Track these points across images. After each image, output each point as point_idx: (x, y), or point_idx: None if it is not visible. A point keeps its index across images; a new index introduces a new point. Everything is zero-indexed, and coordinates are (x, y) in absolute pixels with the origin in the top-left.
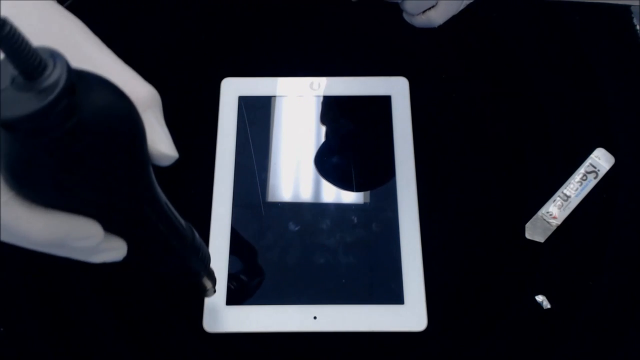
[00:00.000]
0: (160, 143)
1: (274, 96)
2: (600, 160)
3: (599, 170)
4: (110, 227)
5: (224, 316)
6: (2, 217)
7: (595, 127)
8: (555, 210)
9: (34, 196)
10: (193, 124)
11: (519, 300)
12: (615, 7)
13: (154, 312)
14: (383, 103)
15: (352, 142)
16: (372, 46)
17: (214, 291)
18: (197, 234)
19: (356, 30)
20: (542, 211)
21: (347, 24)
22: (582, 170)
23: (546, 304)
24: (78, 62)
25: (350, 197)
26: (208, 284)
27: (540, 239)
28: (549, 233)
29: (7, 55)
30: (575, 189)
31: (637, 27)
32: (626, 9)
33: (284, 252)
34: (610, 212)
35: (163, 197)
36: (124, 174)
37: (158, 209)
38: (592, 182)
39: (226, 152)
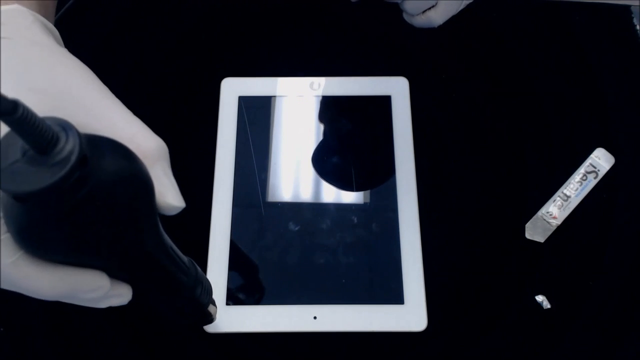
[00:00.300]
0: (168, 195)
1: (274, 96)
2: (600, 160)
3: (599, 170)
4: (117, 275)
5: (224, 316)
6: (12, 276)
7: (595, 127)
8: (555, 210)
9: (42, 256)
10: (193, 124)
11: (519, 300)
12: (615, 7)
13: (154, 312)
14: (383, 103)
15: (352, 142)
16: (372, 46)
17: (212, 320)
18: (198, 267)
19: (356, 30)
20: (542, 211)
21: (347, 24)
22: (582, 170)
23: (546, 304)
24: (85, 116)
25: (350, 197)
26: (213, 309)
27: (540, 239)
28: (549, 233)
29: (20, 135)
30: (575, 189)
31: (637, 27)
32: (626, 9)
33: (284, 252)
34: (610, 212)
35: (168, 240)
36: (132, 230)
37: (163, 252)
38: (592, 182)
39: (226, 152)
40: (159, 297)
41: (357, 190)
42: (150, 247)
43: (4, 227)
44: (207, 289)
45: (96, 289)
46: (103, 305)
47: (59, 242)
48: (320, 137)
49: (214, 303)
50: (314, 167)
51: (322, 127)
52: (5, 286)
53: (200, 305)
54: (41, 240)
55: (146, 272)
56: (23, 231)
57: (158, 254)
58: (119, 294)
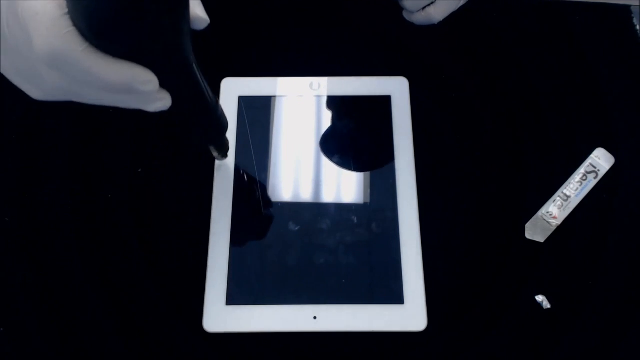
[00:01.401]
0: (197, 8)
1: (274, 96)
2: (600, 160)
3: (599, 170)
4: (162, 82)
5: (224, 316)
6: (84, 63)
7: (595, 127)
8: (555, 210)
9: (106, 46)
10: None
11: (519, 300)
12: (615, 7)
13: (154, 312)
14: (383, 103)
15: (352, 142)
16: (372, 46)
17: (224, 156)
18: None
19: (356, 30)
20: (542, 211)
21: (347, 24)
22: (582, 170)
23: (546, 304)
24: None
25: (350, 197)
26: (226, 141)
27: (540, 239)
28: (549, 233)
29: None
30: (575, 189)
31: (637, 27)
32: (626, 9)
33: (284, 252)
34: (610, 212)
35: (197, 70)
36: (174, 30)
37: (195, 64)
38: (592, 182)
39: None
40: (190, 109)
41: (357, 189)
42: (186, 52)
43: (70, 21)
44: (225, 118)
45: (149, 82)
46: (151, 107)
47: (121, 32)
48: (320, 137)
49: (227, 143)
50: (315, 167)
51: (322, 127)
52: (75, 74)
53: (221, 127)
54: (106, 29)
55: (183, 78)
56: (92, 20)
57: (191, 62)
58: (163, 98)
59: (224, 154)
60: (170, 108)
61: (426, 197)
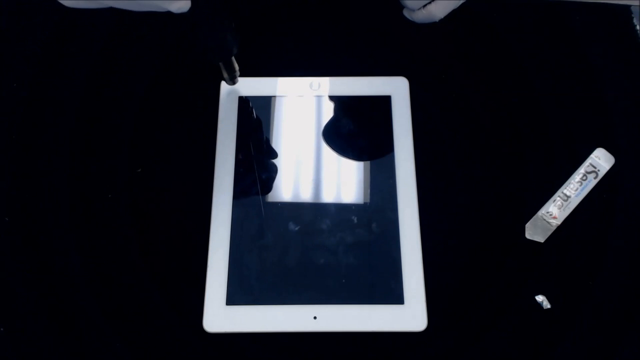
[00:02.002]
0: None
1: (274, 96)
2: (600, 160)
3: (599, 170)
4: None
5: (224, 316)
6: None
7: (595, 127)
8: (555, 210)
9: None
10: (193, 124)
11: (519, 300)
12: (615, 7)
13: (154, 312)
14: (383, 103)
15: (352, 142)
16: (372, 46)
17: (234, 82)
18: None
19: (356, 30)
20: (542, 211)
21: (347, 23)
22: (582, 170)
23: (546, 304)
24: None
25: (350, 197)
26: (235, 65)
27: (540, 239)
28: (549, 233)
29: None
30: (575, 189)
31: (637, 27)
32: (626, 9)
33: (284, 252)
34: (610, 212)
35: None
36: None
37: None
38: (592, 182)
39: (226, 152)
40: (208, 15)
41: (357, 189)
42: None
43: None
44: (238, 34)
45: None
46: (173, 6)
47: None
48: (320, 137)
49: (234, 66)
50: (315, 167)
51: (322, 127)
52: None
53: (235, 40)
54: None
55: None
56: None
57: None
58: None
59: (232, 76)
60: (189, 13)
61: (426, 197)
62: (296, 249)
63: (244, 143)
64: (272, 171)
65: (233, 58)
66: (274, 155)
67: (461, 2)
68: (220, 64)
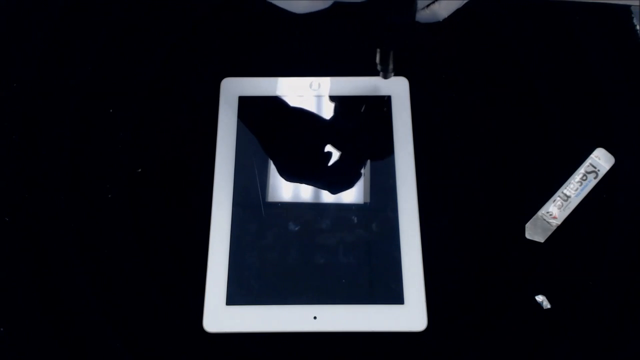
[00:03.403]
0: None
1: (274, 96)
2: (600, 160)
3: (599, 170)
4: None
5: (224, 316)
6: None
7: (595, 127)
8: (555, 210)
9: None
10: (193, 124)
11: (519, 300)
12: (615, 7)
13: (154, 312)
14: (383, 103)
15: (352, 142)
16: (372, 46)
17: (389, 73)
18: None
19: (356, 30)
20: (542, 211)
21: (347, 23)
22: (582, 170)
23: (546, 304)
24: None
25: (350, 197)
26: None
27: (540, 239)
28: (549, 233)
29: None
30: (575, 189)
31: (637, 27)
32: (626, 9)
33: (284, 252)
34: (610, 212)
35: None
36: None
37: None
38: (592, 182)
39: (226, 152)
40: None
41: (357, 190)
42: None
43: None
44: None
45: None
46: None
47: None
48: (320, 137)
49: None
50: (315, 167)
51: (322, 127)
52: None
53: (412, 24)
54: None
55: None
56: None
57: None
58: None
59: (387, 69)
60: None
61: (426, 197)
62: (296, 249)
63: (244, 143)
64: (272, 171)
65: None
66: (274, 155)
67: (465, 1)
68: (391, 53)
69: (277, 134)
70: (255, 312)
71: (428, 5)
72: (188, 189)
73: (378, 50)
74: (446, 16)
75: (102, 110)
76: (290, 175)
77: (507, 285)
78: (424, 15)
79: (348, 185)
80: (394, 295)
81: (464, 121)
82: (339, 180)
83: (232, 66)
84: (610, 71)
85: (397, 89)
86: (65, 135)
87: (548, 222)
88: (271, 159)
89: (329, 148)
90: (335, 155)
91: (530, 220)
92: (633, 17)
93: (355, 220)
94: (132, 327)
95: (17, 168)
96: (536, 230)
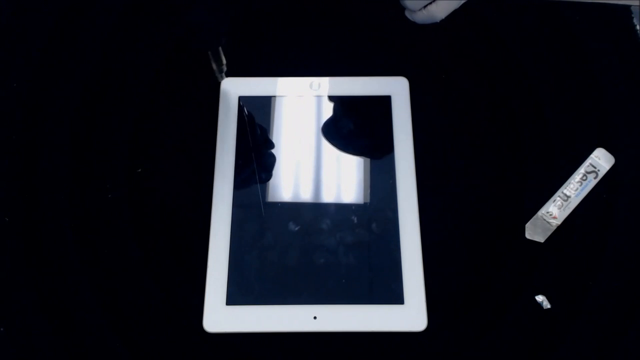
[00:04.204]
0: None
1: (274, 96)
2: (600, 160)
3: (599, 170)
4: None
5: (224, 316)
6: None
7: (595, 127)
8: (555, 210)
9: None
10: (193, 124)
11: (519, 300)
12: (615, 7)
13: (154, 312)
14: (383, 103)
15: (352, 142)
16: (372, 46)
17: (221, 76)
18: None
19: (356, 30)
20: (542, 211)
21: (347, 23)
22: (582, 170)
23: (546, 304)
24: None
25: (350, 197)
26: (223, 58)
27: (540, 239)
28: (549, 233)
29: None
30: (575, 189)
31: (637, 27)
32: (626, 9)
33: (284, 252)
34: (610, 212)
35: None
36: None
37: None
38: (592, 182)
39: (226, 152)
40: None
41: (357, 190)
42: None
43: None
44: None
45: None
46: None
47: None
48: (320, 137)
49: (222, 60)
50: (315, 167)
51: (321, 127)
52: None
53: (219, 27)
54: None
55: None
56: None
57: None
58: None
59: (220, 70)
60: None
61: (426, 197)
62: (296, 249)
63: (244, 143)
64: (272, 171)
65: (220, 50)
66: (274, 155)
67: (462, 2)
68: (209, 53)
69: (277, 134)
70: (255, 312)
71: (425, 6)
72: (188, 188)
73: (209, 52)
74: (443, 17)
75: (102, 110)
76: (290, 175)
77: (507, 285)
78: (420, 16)
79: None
80: (394, 295)
81: (464, 121)
82: (339, 180)
83: (232, 66)
84: (610, 71)
85: (397, 89)
86: (65, 135)
87: (548, 222)
88: (271, 159)
89: (329, 147)
90: (336, 155)
91: (530, 220)
92: (633, 17)
93: (355, 220)
94: (132, 327)
95: (17, 168)
96: (536, 230)
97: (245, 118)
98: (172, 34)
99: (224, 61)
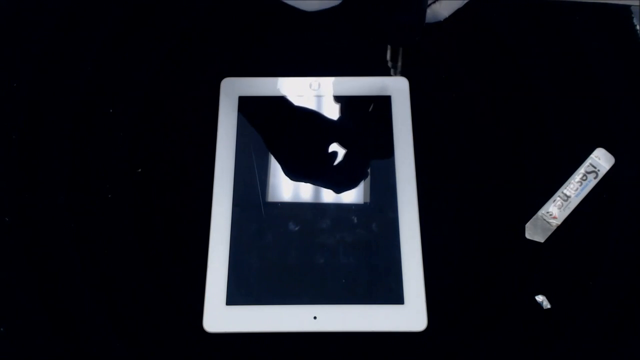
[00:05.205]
0: None
1: (274, 96)
2: (600, 160)
3: (599, 170)
4: None
5: (224, 316)
6: None
7: (595, 127)
8: (555, 210)
9: None
10: (193, 124)
11: (519, 300)
12: (615, 7)
13: (154, 312)
14: (383, 103)
15: (352, 142)
16: (372, 46)
17: (398, 69)
18: None
19: (356, 30)
20: (542, 211)
21: (347, 23)
22: (582, 170)
23: (546, 304)
24: None
25: (350, 197)
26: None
27: (540, 239)
28: (549, 233)
29: None
30: (575, 189)
31: (637, 27)
32: (626, 9)
33: (284, 252)
34: (610, 212)
35: None
36: None
37: None
38: (592, 182)
39: (226, 152)
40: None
41: (357, 190)
42: None
43: None
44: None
45: None
46: None
47: None
48: (320, 137)
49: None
50: (315, 167)
51: (322, 127)
52: None
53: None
54: None
55: None
56: None
57: None
58: None
59: (396, 67)
60: None
61: (426, 197)
62: (296, 249)
63: (244, 143)
64: (272, 171)
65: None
66: (274, 155)
67: (466, 1)
68: (400, 49)
69: (277, 134)
70: (255, 312)
71: (429, 5)
72: (188, 189)
73: (389, 47)
74: (447, 16)
75: (102, 110)
76: (291, 175)
77: (507, 285)
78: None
79: (353, 184)
80: (394, 295)
81: (464, 121)
82: (342, 179)
83: (232, 66)
84: (610, 71)
85: (397, 89)
86: (65, 135)
87: (548, 222)
88: (271, 159)
89: (332, 148)
90: (336, 155)
91: (530, 220)
92: (633, 17)
93: (355, 220)
94: (132, 327)
95: (17, 168)
96: (536, 230)
97: (246, 118)
98: (172, 34)
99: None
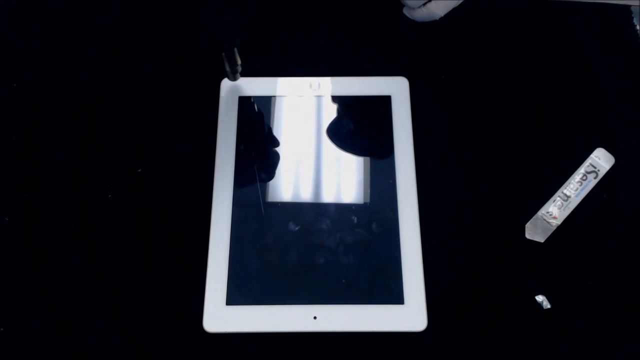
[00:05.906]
0: None
1: (274, 96)
2: (600, 160)
3: (599, 170)
4: None
5: (224, 316)
6: None
7: (595, 127)
8: (555, 210)
9: None
10: (193, 124)
11: (519, 300)
12: (615, 7)
13: (154, 312)
14: (383, 103)
15: (352, 142)
16: (372, 46)
17: (235, 77)
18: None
19: (356, 30)
20: (542, 211)
21: (347, 23)
22: (582, 170)
23: (546, 304)
24: None
25: (350, 197)
26: (237, 59)
27: (540, 239)
28: (549, 233)
29: None
30: (575, 189)
31: (637, 27)
32: (626, 9)
33: (284, 252)
34: (610, 212)
35: None
36: None
37: None
38: (592, 182)
39: (226, 152)
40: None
41: (357, 190)
42: None
43: None
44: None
45: None
46: None
47: None
48: (321, 137)
49: (236, 60)
50: (315, 167)
51: (322, 127)
52: None
53: (236, 29)
54: None
55: None
56: None
57: None
58: None
59: (234, 70)
60: None
61: (426, 197)
62: (296, 249)
63: (244, 143)
64: (272, 171)
65: (236, 50)
66: (274, 155)
67: (461, 0)
68: (223, 55)
69: (277, 134)
70: (255, 312)
71: (424, 4)
72: (188, 189)
73: (223, 54)
74: (442, 15)
75: (102, 110)
76: (290, 175)
77: (507, 285)
78: (420, 14)
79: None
80: (394, 295)
81: (464, 121)
82: (339, 180)
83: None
84: (610, 71)
85: (397, 89)
86: (65, 135)
87: (548, 222)
88: (271, 159)
89: (329, 147)
90: (336, 155)
91: (530, 220)
92: (633, 17)
93: (355, 220)
94: (132, 327)
95: (17, 168)
96: (536, 230)
97: (246, 118)
98: (172, 34)
99: (239, 61)
